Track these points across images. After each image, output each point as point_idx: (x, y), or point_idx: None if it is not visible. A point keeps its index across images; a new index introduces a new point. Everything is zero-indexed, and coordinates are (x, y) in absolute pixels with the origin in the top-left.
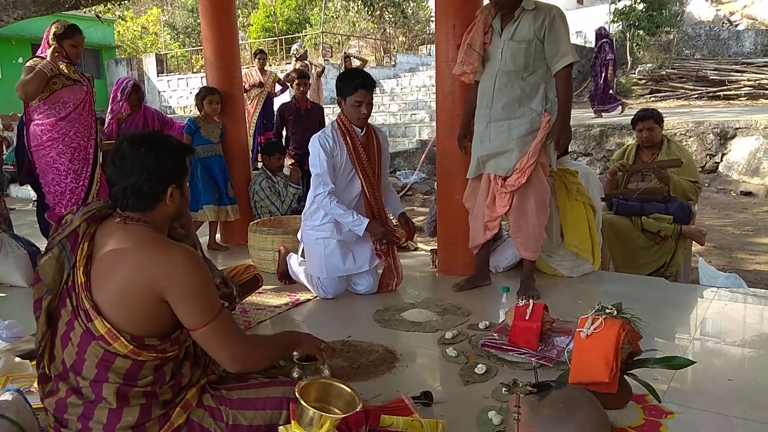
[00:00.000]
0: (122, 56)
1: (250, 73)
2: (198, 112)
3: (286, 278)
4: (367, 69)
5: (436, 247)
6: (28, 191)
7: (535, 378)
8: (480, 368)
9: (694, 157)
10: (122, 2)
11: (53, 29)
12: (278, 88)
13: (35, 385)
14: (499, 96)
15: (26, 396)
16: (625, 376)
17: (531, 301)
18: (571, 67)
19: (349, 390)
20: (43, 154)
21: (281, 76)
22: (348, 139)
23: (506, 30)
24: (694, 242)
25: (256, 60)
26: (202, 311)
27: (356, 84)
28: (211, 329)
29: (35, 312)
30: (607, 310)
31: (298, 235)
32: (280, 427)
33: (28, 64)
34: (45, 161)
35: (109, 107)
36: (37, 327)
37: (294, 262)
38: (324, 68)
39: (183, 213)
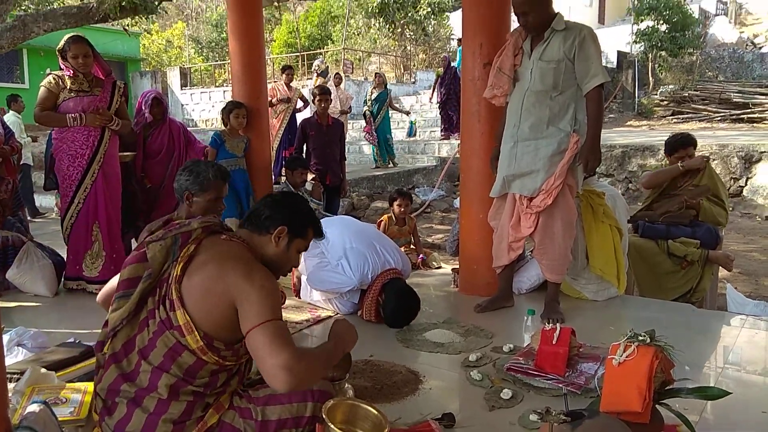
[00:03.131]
0: (147, 69)
1: (277, 88)
2: (222, 126)
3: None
4: (387, 85)
5: (457, 266)
6: (52, 200)
7: (565, 406)
8: (506, 393)
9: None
10: (149, 16)
11: (57, 48)
12: (300, 104)
13: (61, 396)
14: (526, 115)
15: (52, 408)
16: (657, 405)
17: (558, 325)
18: (602, 88)
19: (375, 412)
20: (56, 160)
21: (304, 91)
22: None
23: (536, 50)
24: (720, 268)
25: (284, 75)
26: (259, 312)
27: (397, 325)
28: (263, 331)
29: (121, 290)
30: (640, 338)
31: (300, 278)
32: None
33: (43, 83)
34: (57, 166)
35: (134, 119)
36: (121, 306)
37: (304, 285)
38: (341, 78)
39: (281, 269)
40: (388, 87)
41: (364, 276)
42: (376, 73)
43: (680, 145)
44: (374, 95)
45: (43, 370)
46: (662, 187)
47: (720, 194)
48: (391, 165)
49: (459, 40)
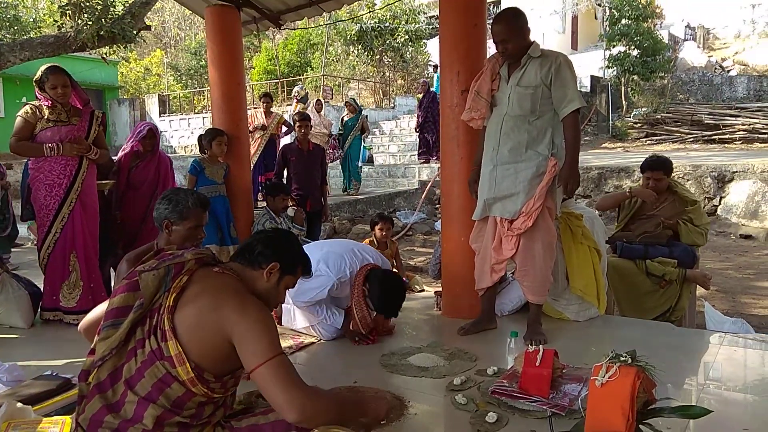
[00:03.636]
0: (125, 96)
1: (255, 115)
2: (200, 153)
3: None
4: (366, 111)
5: (440, 289)
6: (28, 232)
7: (550, 428)
8: (491, 416)
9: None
10: (127, 44)
11: (34, 78)
12: (284, 129)
13: (38, 431)
14: (505, 139)
15: None
16: (640, 425)
17: (541, 346)
18: (578, 113)
19: None
20: (33, 189)
21: (286, 117)
22: (358, 306)
23: (513, 76)
24: (698, 286)
25: (262, 103)
26: (261, 351)
27: (381, 310)
28: (268, 369)
29: (109, 319)
30: (622, 358)
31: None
32: None
33: (20, 113)
34: (33, 196)
35: (125, 146)
36: (110, 335)
37: (286, 311)
38: (322, 105)
39: (269, 304)
40: (363, 113)
41: (342, 272)
42: (345, 102)
43: (646, 167)
44: (344, 121)
45: (20, 404)
46: (616, 209)
47: (695, 221)
48: (353, 192)
49: (435, 66)
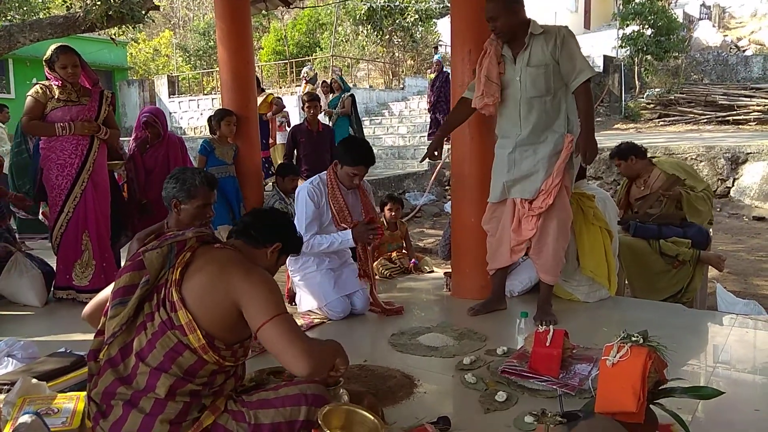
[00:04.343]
0: (134, 78)
1: None
2: (210, 134)
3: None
4: (376, 91)
5: (449, 270)
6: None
7: (560, 407)
8: (500, 395)
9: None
10: (136, 25)
11: (44, 57)
12: (274, 108)
13: (52, 406)
14: (525, 123)
15: (44, 419)
16: (651, 405)
17: (551, 327)
18: (589, 82)
19: (372, 417)
20: (44, 169)
21: (292, 99)
22: (333, 197)
23: (519, 57)
24: (710, 267)
25: None
26: (266, 309)
27: (358, 160)
28: (273, 326)
29: (117, 297)
30: (633, 338)
31: (291, 283)
32: None
33: (31, 93)
34: (45, 176)
35: (134, 134)
36: (118, 313)
37: (298, 294)
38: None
39: (273, 274)
40: (348, 93)
41: (312, 179)
42: (332, 79)
43: (609, 155)
44: (329, 99)
45: (34, 380)
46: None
47: (695, 187)
48: None
49: (436, 47)
